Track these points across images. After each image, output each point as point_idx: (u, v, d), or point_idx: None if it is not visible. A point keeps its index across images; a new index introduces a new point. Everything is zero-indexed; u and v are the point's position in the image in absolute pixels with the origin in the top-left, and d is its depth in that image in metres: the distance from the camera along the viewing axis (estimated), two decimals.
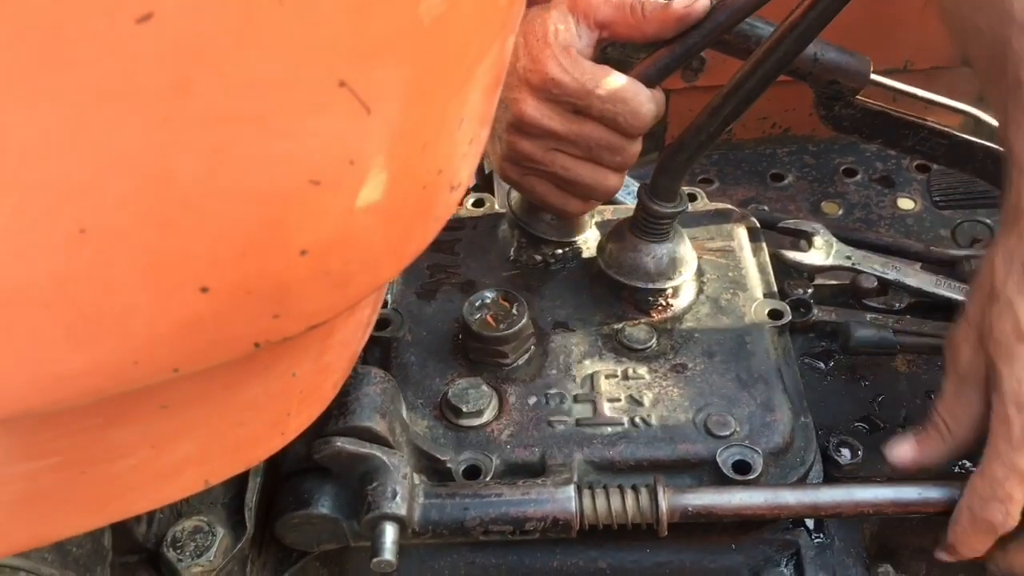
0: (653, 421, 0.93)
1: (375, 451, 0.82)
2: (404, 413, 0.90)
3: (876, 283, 1.10)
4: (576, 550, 0.92)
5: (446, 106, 0.46)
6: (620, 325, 1.03)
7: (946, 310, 1.09)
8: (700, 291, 1.07)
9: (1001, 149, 1.15)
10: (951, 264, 1.14)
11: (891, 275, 1.09)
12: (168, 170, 0.37)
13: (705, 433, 0.92)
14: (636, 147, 0.99)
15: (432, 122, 0.46)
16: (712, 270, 1.09)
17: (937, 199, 1.52)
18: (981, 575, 0.99)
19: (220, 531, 0.80)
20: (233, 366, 0.47)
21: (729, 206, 1.19)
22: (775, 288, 1.08)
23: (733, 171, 1.84)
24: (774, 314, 1.04)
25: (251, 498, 0.82)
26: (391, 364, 1.00)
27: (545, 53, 0.94)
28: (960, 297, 1.07)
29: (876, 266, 1.11)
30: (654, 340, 1.01)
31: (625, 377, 0.98)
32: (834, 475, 0.95)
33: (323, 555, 0.90)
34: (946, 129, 1.11)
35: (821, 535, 0.93)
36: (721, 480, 0.88)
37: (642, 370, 0.99)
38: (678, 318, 1.04)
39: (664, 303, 1.04)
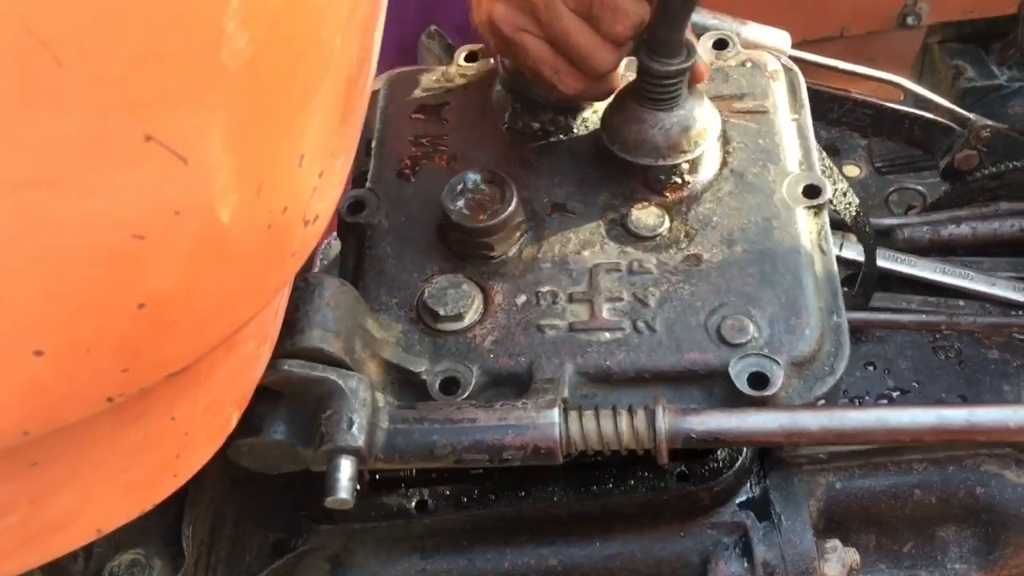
0: (658, 326, 0.81)
1: (329, 374, 0.72)
2: (370, 323, 0.80)
3: None
4: (526, 549, 0.87)
5: (277, 145, 0.45)
6: (627, 208, 0.88)
7: (882, 281, 1.07)
8: (724, 163, 0.91)
9: (928, 115, 1.15)
10: (886, 233, 1.12)
11: None
12: None
13: (718, 340, 0.79)
14: (641, 12, 0.82)
15: (264, 163, 0.44)
16: (740, 136, 0.93)
17: (879, 165, 1.46)
18: (930, 542, 0.94)
19: (157, 563, 0.78)
20: (101, 419, 0.46)
21: (767, 52, 1.01)
22: (815, 158, 0.92)
23: None
24: (810, 191, 0.88)
25: (187, 527, 0.79)
26: (364, 256, 0.89)
27: None
28: (893, 266, 1.05)
29: None
30: (665, 226, 0.87)
31: (630, 271, 0.85)
32: None
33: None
34: (870, 99, 1.14)
35: (768, 520, 0.88)
36: (734, 395, 0.77)
37: (650, 263, 0.85)
38: (696, 197, 0.89)
39: (680, 180, 0.88)
